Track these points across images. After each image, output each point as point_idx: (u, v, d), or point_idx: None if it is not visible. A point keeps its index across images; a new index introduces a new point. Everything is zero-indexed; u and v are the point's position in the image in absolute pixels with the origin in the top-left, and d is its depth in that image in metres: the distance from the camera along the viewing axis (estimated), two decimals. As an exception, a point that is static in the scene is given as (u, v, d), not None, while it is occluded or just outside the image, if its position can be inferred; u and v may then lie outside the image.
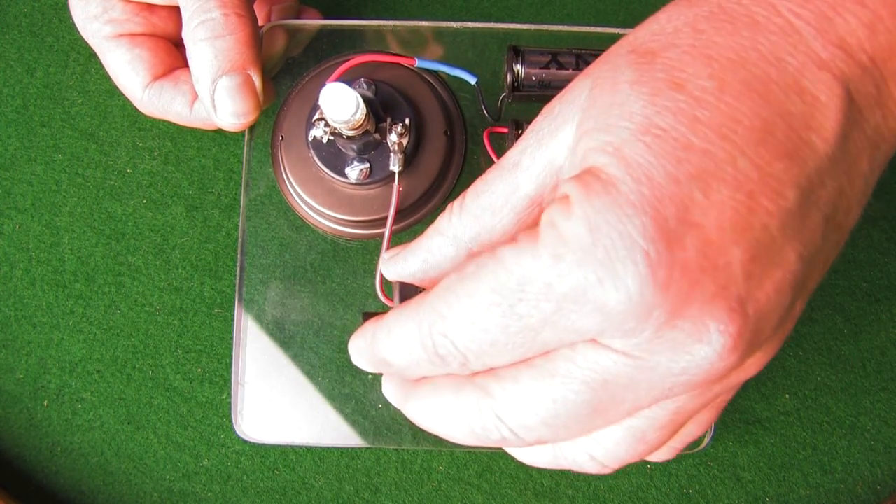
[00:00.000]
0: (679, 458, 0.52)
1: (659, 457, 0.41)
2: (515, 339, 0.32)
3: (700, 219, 0.29)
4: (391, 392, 0.40)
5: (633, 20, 0.57)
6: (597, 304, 0.29)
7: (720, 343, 0.29)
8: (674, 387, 0.31)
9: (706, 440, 0.50)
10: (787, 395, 0.53)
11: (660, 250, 0.28)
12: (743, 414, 0.53)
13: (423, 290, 0.40)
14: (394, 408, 0.46)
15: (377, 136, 0.47)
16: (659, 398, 0.32)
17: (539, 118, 0.35)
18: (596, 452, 0.36)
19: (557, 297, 0.30)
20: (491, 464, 0.52)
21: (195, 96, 0.50)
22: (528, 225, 0.36)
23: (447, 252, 0.37)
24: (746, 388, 0.53)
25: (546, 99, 0.49)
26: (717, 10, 0.32)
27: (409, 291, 0.40)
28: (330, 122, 0.44)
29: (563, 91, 0.35)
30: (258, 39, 0.47)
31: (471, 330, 0.32)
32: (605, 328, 0.30)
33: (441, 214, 0.38)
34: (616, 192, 0.29)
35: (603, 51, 0.48)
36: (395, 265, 0.40)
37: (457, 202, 0.37)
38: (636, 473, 0.52)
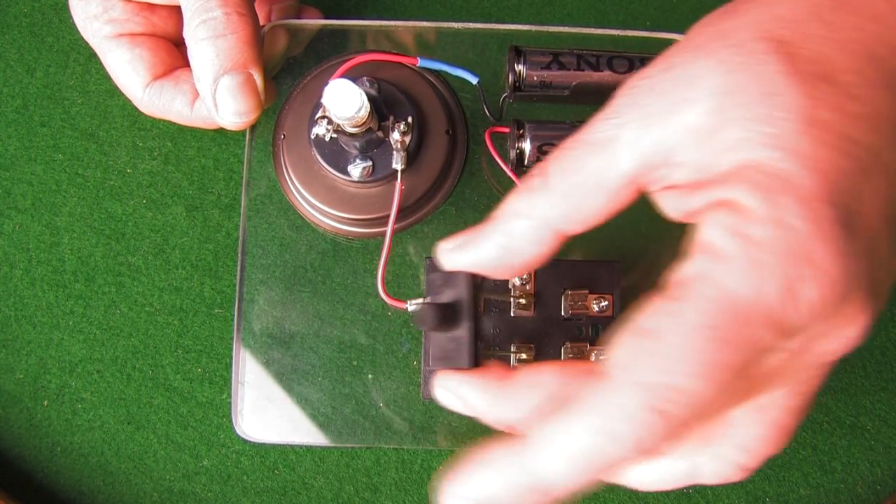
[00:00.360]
0: (680, 458, 0.52)
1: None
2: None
3: (867, 209, 0.29)
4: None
5: (633, 20, 0.58)
6: (808, 301, 0.29)
7: (866, 322, 0.30)
8: (817, 368, 0.32)
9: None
10: (786, 395, 0.53)
11: (846, 241, 0.29)
12: (743, 413, 0.53)
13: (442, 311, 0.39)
14: (394, 407, 0.46)
15: (380, 133, 0.47)
16: (802, 381, 0.33)
17: (633, 92, 0.33)
18: (737, 456, 0.35)
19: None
20: (491, 464, 0.52)
21: (196, 95, 0.50)
22: (621, 205, 0.34)
23: (531, 235, 0.34)
24: (747, 388, 0.53)
25: (547, 99, 0.50)
26: (836, 1, 0.32)
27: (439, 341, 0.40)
28: (333, 118, 0.44)
29: (662, 66, 0.33)
30: (259, 38, 0.47)
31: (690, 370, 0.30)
32: (809, 322, 0.30)
33: (515, 194, 0.35)
34: (797, 188, 0.29)
35: (606, 51, 0.49)
36: (464, 254, 0.37)
37: (537, 180, 0.34)
38: (637, 473, 0.52)
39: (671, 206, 0.35)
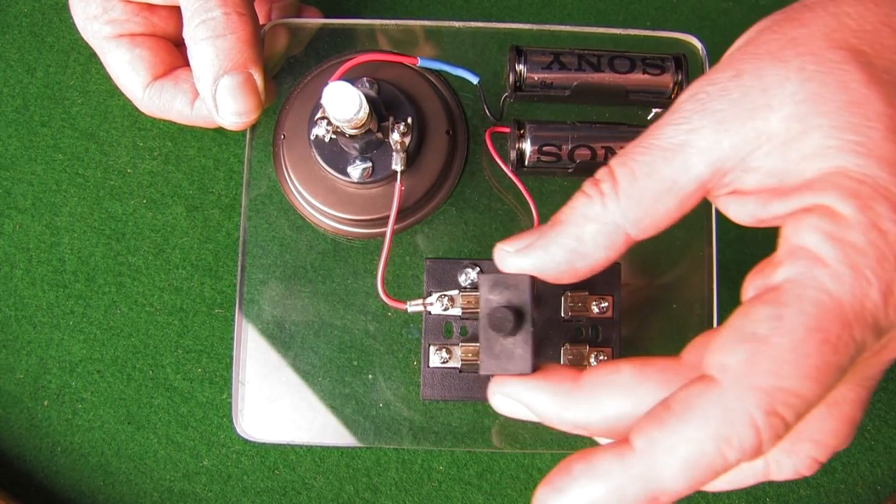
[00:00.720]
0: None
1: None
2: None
3: None
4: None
5: (633, 20, 0.58)
6: None
7: None
8: (888, 364, 0.33)
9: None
10: (787, 395, 0.53)
11: None
12: (743, 414, 0.53)
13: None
14: (394, 407, 0.46)
15: (379, 135, 0.47)
16: (870, 377, 0.34)
17: (702, 97, 0.34)
18: (811, 451, 0.35)
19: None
20: (491, 464, 0.52)
21: (196, 94, 0.50)
22: (689, 209, 0.34)
23: (601, 240, 0.35)
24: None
25: (548, 99, 0.50)
26: None
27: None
28: (332, 120, 0.44)
29: (730, 72, 0.34)
30: (259, 38, 0.47)
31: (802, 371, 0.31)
32: None
33: (582, 198, 0.35)
34: (889, 194, 0.30)
35: (607, 51, 0.49)
36: (528, 257, 0.36)
37: (605, 185, 0.34)
38: (637, 473, 0.52)
39: (738, 211, 0.36)
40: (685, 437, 0.30)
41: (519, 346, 0.43)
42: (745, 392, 0.30)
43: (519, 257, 0.37)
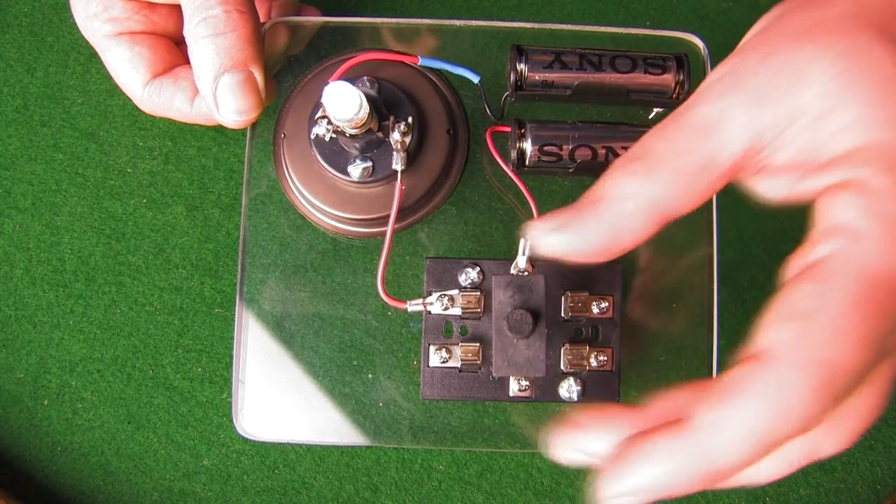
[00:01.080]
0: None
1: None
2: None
3: None
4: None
5: (633, 19, 0.58)
6: None
7: None
8: None
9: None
10: (787, 395, 0.53)
11: None
12: (744, 413, 0.53)
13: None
14: (394, 407, 0.46)
15: (380, 134, 0.47)
16: None
17: (734, 76, 0.34)
18: (852, 424, 0.35)
19: None
20: (491, 463, 0.52)
21: (195, 92, 0.50)
22: (721, 187, 0.35)
23: (639, 217, 0.34)
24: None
25: (549, 98, 0.50)
26: None
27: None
28: (333, 120, 0.44)
29: (760, 52, 0.34)
30: (260, 36, 0.47)
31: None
32: None
33: (618, 176, 0.35)
34: None
35: (608, 50, 0.49)
36: (567, 234, 0.35)
37: (639, 164, 0.34)
38: (637, 473, 0.52)
39: (768, 189, 0.36)
40: (744, 413, 0.31)
41: (533, 349, 0.44)
42: (798, 366, 0.30)
43: (555, 236, 0.36)
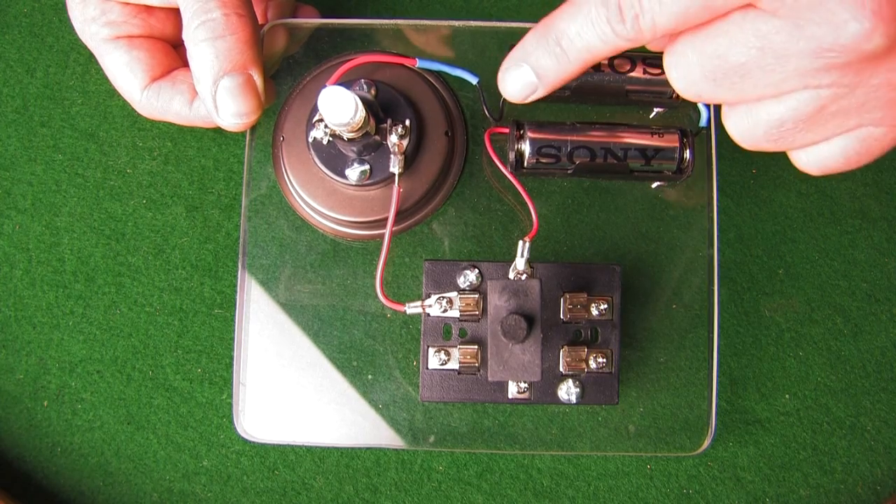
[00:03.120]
0: (679, 459, 0.52)
1: (805, 165, 0.42)
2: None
3: None
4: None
5: (633, 20, 0.57)
6: None
7: (869, 21, 0.33)
8: (820, 64, 0.34)
9: (706, 442, 0.50)
10: (787, 396, 0.53)
11: None
12: (743, 414, 0.53)
13: None
14: (393, 408, 0.46)
15: (377, 137, 0.47)
16: (805, 76, 0.35)
17: None
18: (740, 121, 0.39)
19: None
20: (491, 464, 0.52)
21: (194, 95, 0.50)
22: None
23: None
24: (746, 389, 0.53)
25: (548, 99, 0.49)
26: None
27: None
28: (329, 124, 0.44)
29: None
30: (259, 39, 0.47)
31: None
32: None
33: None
34: None
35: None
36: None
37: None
38: (636, 474, 0.52)
39: None
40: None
41: (528, 353, 0.44)
42: None
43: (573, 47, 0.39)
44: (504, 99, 0.49)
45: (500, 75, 0.41)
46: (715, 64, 0.36)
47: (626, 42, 0.37)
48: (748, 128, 0.39)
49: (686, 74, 0.37)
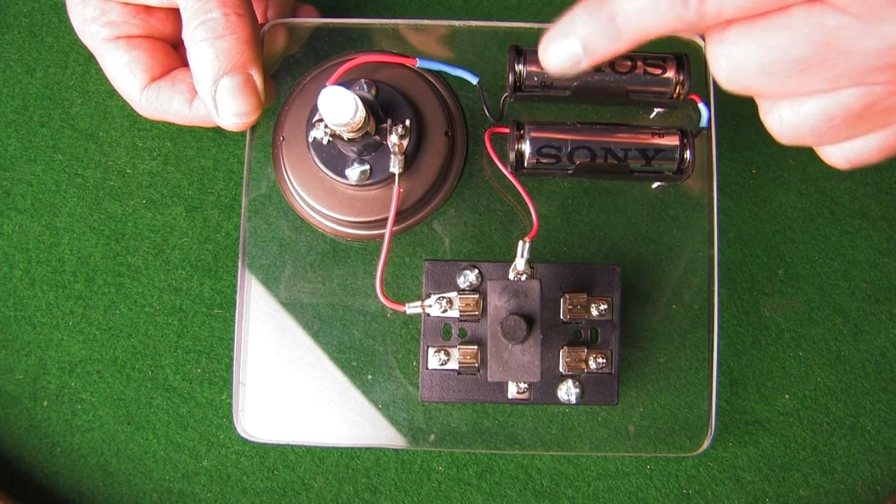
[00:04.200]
0: (679, 459, 0.52)
1: (835, 159, 0.41)
2: None
3: None
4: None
5: (633, 20, 0.57)
6: None
7: None
8: (884, 62, 0.34)
9: (706, 442, 0.50)
10: (787, 396, 0.53)
11: None
12: (743, 414, 0.53)
13: None
14: (393, 408, 0.46)
15: (377, 137, 0.47)
16: (865, 73, 0.35)
17: None
18: (786, 115, 0.38)
19: None
20: (491, 464, 0.52)
21: (193, 95, 0.50)
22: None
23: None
24: (746, 389, 0.53)
25: (548, 99, 0.50)
26: None
27: None
28: (329, 124, 0.44)
29: None
30: (259, 38, 0.47)
31: None
32: None
33: None
34: None
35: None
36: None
37: None
38: (636, 474, 0.52)
39: None
40: None
41: (528, 354, 0.44)
42: None
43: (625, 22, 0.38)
44: (504, 98, 0.50)
45: (542, 45, 0.39)
46: (774, 56, 0.35)
47: (684, 25, 0.35)
48: (794, 123, 0.38)
49: (738, 65, 0.36)
